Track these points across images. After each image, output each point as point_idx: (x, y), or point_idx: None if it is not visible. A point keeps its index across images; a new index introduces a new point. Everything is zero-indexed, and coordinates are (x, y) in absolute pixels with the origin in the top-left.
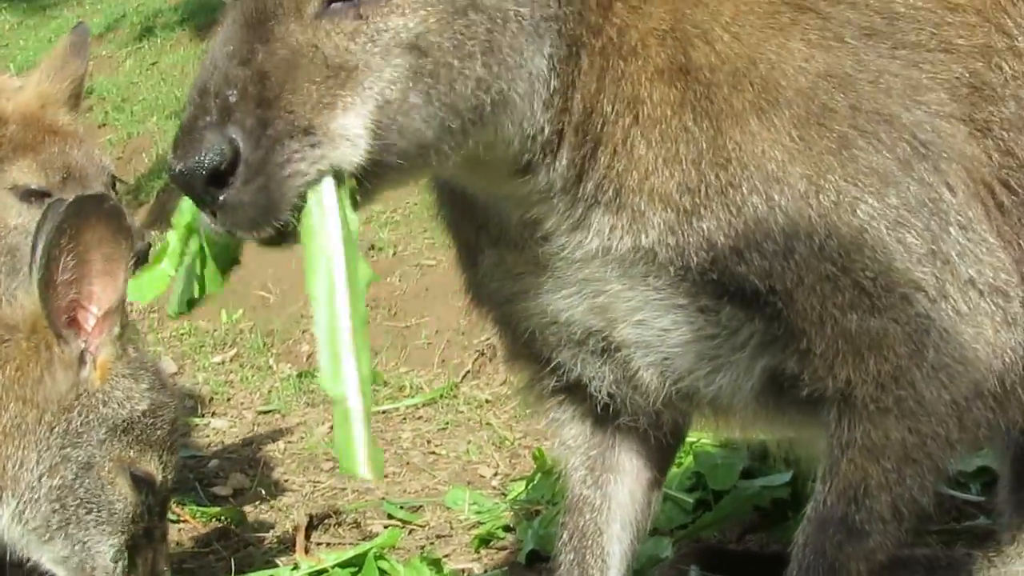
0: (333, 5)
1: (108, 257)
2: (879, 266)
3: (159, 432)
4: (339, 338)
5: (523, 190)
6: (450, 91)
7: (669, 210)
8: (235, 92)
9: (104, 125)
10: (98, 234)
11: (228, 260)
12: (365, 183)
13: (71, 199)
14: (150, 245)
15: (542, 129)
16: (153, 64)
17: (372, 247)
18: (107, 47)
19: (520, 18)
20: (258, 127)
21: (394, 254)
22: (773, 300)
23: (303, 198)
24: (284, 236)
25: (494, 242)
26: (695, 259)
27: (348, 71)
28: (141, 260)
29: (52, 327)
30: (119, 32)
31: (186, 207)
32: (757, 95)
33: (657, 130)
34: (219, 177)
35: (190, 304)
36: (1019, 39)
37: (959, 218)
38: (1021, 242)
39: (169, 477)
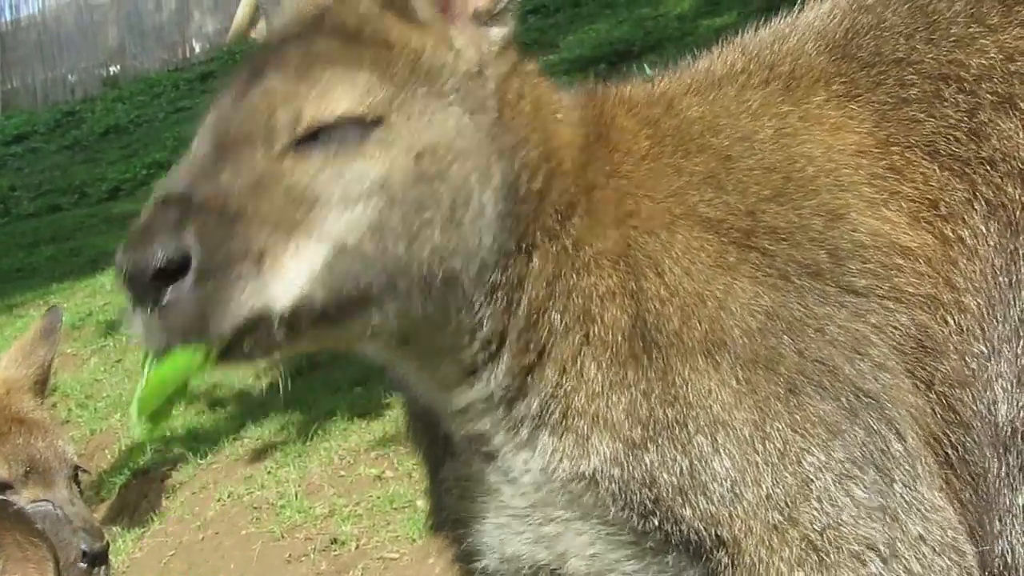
0: (303, 143)
1: (27, 561)
2: (827, 519)
3: None
4: None
5: (467, 397)
6: (407, 250)
7: (617, 440)
8: (196, 203)
9: (68, 422)
10: (12, 541)
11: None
12: (296, 324)
13: None
14: (108, 544)
15: (480, 323)
16: (117, 362)
17: (334, 541)
18: (72, 345)
19: (482, 202)
20: (214, 239)
21: (356, 547)
22: (719, 555)
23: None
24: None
25: (451, 456)
26: (638, 495)
27: (308, 206)
28: (101, 559)
29: None
30: (84, 330)
31: None
32: (705, 334)
33: (608, 354)
34: (166, 276)
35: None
36: (966, 295)
37: (906, 471)
38: (963, 497)
39: None
